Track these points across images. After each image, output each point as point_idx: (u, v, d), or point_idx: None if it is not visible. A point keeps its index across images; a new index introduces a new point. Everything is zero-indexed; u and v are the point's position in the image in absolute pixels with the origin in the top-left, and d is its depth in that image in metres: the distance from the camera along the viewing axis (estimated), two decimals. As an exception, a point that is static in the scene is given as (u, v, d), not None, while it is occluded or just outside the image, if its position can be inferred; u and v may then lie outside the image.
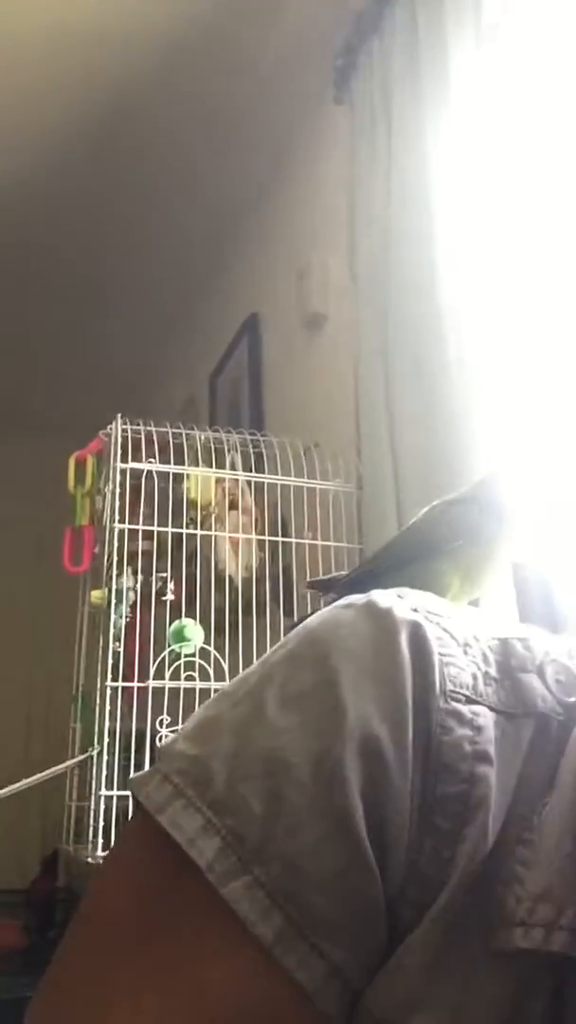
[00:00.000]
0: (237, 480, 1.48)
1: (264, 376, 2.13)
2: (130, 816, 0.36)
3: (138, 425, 1.39)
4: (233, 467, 1.48)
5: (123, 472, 1.33)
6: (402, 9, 1.47)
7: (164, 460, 1.41)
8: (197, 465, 1.42)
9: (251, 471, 1.50)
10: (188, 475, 1.41)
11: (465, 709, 0.35)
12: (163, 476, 1.40)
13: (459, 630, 0.38)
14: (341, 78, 1.70)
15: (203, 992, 0.31)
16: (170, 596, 1.39)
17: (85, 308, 2.71)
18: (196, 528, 1.42)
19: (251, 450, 1.52)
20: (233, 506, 1.48)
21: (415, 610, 0.38)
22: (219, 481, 1.46)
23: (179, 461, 1.43)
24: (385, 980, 0.32)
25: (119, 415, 1.38)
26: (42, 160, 2.13)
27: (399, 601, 0.38)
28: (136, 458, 1.36)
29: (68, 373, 3.02)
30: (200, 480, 1.41)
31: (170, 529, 1.38)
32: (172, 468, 1.38)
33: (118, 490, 1.31)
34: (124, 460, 1.33)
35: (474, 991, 0.32)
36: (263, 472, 1.50)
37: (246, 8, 1.75)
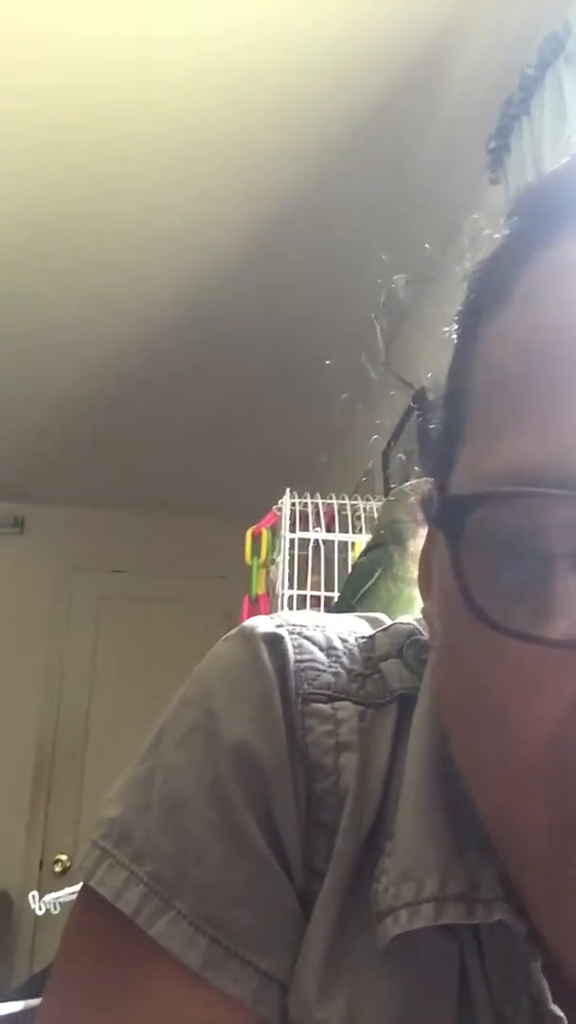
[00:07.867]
0: (401, 547, 1.52)
1: (434, 448, 2.17)
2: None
3: (306, 498, 1.47)
4: (398, 535, 1.53)
5: (292, 541, 1.41)
6: (550, 90, 1.53)
7: (332, 531, 1.49)
8: (362, 533, 1.48)
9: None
10: (353, 543, 1.47)
11: (326, 707, 0.37)
12: (331, 546, 1.47)
13: (323, 636, 0.40)
14: (495, 160, 1.76)
15: None
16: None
17: (265, 397, 2.89)
18: (362, 594, 1.47)
19: (416, 518, 1.56)
20: (398, 572, 1.52)
21: (279, 625, 0.40)
22: (384, 549, 1.50)
23: (347, 531, 1.50)
24: (295, 977, 0.33)
25: (288, 489, 1.48)
26: (222, 261, 2.34)
27: (267, 620, 0.40)
28: (305, 529, 1.45)
29: (251, 459, 3.22)
30: (365, 548, 1.47)
31: (337, 595, 1.44)
32: (337, 536, 1.46)
33: (287, 558, 1.39)
34: (293, 530, 1.42)
35: (367, 984, 0.33)
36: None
37: (404, 107, 1.88)
